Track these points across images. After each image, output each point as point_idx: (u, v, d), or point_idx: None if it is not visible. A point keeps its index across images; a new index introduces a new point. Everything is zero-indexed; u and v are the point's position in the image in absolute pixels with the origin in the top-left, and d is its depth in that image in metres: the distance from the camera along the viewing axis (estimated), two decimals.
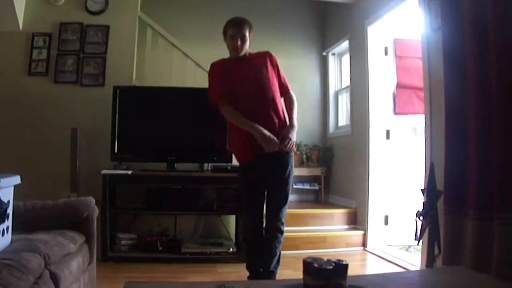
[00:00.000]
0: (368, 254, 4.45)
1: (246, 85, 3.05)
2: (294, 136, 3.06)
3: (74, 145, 4.02)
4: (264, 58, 3.17)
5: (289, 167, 3.08)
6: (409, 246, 4.46)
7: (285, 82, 3.23)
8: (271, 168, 3.03)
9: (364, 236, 4.64)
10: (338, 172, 5.72)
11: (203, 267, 3.82)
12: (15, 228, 2.05)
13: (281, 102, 3.18)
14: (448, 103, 2.87)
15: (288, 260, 3.40)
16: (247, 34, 3.07)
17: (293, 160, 3.13)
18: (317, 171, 5.77)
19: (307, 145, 5.87)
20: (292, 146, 3.07)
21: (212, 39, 5.63)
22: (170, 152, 4.22)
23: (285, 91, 3.21)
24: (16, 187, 2.05)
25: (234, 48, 3.08)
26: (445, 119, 2.88)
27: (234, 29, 3.06)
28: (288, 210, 3.19)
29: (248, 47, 3.14)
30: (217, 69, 3.16)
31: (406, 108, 4.69)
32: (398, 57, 4.72)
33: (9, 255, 1.74)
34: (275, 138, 2.95)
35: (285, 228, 3.12)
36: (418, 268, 3.59)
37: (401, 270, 3.76)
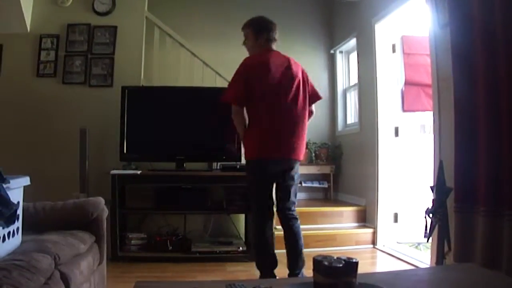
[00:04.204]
0: (378, 251, 4.44)
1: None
2: None
3: (83, 145, 4.04)
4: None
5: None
6: (419, 244, 4.43)
7: None
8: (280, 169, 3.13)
9: (374, 233, 4.63)
10: (347, 170, 5.71)
11: (213, 266, 3.82)
12: (25, 229, 2.07)
13: None
14: (457, 100, 2.85)
15: None
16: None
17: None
18: (326, 169, 5.76)
19: (316, 143, 5.87)
20: None
21: (220, 38, 5.67)
22: (179, 152, 4.22)
23: None
24: (25, 188, 2.06)
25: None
26: (454, 116, 2.86)
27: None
28: (297, 208, 3.20)
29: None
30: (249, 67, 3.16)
31: (415, 105, 4.67)
32: (406, 54, 4.70)
33: (20, 256, 1.75)
34: None
35: None
36: (428, 266, 3.57)
37: (411, 267, 3.75)
